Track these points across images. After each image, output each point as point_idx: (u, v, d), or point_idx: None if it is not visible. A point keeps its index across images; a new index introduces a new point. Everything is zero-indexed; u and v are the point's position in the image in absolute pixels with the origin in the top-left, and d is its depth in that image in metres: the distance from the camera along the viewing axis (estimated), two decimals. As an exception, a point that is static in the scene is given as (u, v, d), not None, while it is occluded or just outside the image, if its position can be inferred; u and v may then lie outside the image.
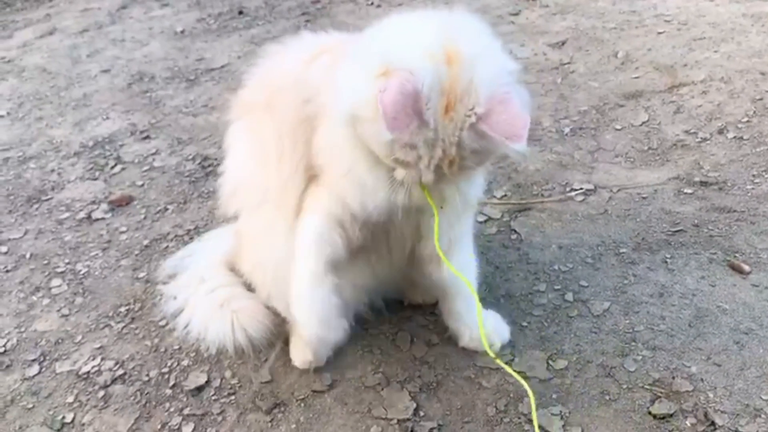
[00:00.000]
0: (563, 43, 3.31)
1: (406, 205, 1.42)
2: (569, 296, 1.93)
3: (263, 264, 1.72)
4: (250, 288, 1.89)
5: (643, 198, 2.26)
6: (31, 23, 4.74)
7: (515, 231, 2.20)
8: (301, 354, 1.82)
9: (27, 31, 4.59)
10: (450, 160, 1.27)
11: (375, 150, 1.29)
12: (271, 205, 1.63)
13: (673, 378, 1.66)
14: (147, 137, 3.06)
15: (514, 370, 1.54)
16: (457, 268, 1.60)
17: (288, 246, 1.59)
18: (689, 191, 2.25)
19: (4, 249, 2.45)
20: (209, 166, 2.75)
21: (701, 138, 2.50)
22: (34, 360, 1.98)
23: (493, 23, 3.58)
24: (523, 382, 1.49)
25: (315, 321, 1.54)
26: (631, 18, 3.45)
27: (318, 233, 1.52)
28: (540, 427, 1.59)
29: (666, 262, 1.99)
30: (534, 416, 1.51)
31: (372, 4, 4.20)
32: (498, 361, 1.54)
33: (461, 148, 1.26)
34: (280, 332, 1.88)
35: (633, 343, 1.76)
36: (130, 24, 4.48)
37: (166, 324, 2.00)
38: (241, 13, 4.34)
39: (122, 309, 2.12)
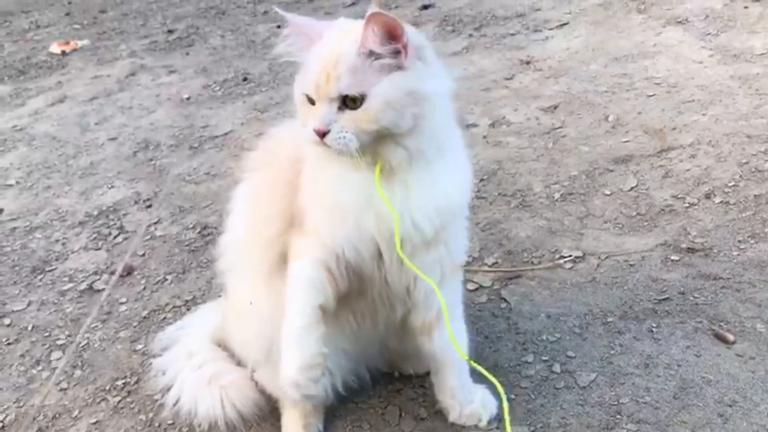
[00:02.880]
0: (555, 107, 3.39)
1: (378, 233, 1.50)
2: (556, 367, 1.95)
3: (248, 325, 1.76)
4: (239, 363, 1.93)
5: (631, 265, 2.29)
6: (43, 91, 4.90)
7: (505, 300, 2.24)
8: (293, 429, 1.84)
9: (39, 99, 4.75)
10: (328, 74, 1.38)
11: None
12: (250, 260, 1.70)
13: (657, 453, 1.67)
14: (150, 206, 3.14)
15: None
16: (448, 340, 1.64)
17: (267, 304, 1.65)
18: (676, 258, 2.29)
19: (7, 321, 2.51)
20: (209, 234, 2.82)
21: (689, 203, 2.54)
22: (31, 436, 2.02)
23: (488, 87, 3.69)
24: None
25: (298, 365, 1.48)
26: (623, 81, 3.53)
27: (307, 278, 1.55)
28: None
29: (652, 331, 2.02)
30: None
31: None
32: None
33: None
34: (271, 406, 1.91)
35: (618, 416, 1.78)
36: (138, 91, 4.62)
37: (161, 398, 2.04)
38: (245, 79, 4.47)
39: (119, 382, 2.16)
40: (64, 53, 5.72)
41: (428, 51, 1.46)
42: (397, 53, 1.38)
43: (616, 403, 1.82)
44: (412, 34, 1.41)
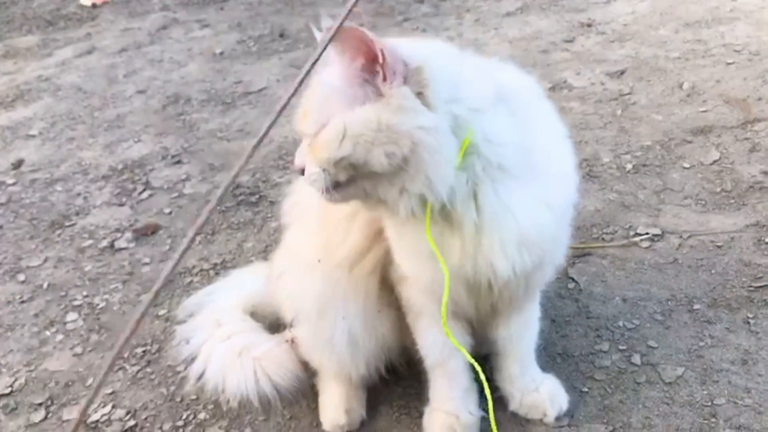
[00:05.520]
0: (622, 73, 3.09)
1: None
2: (636, 359, 1.69)
3: (311, 279, 1.51)
4: (275, 330, 1.72)
5: (718, 247, 2.01)
6: (72, 42, 4.68)
7: (573, 279, 1.98)
8: (331, 416, 1.61)
9: (67, 50, 4.53)
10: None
11: None
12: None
13: (764, 465, 1.41)
14: (178, 162, 2.91)
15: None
16: (515, 328, 1.51)
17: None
18: (771, 241, 2.00)
19: (21, 277, 2.31)
20: (240, 195, 2.58)
21: (782, 180, 2.25)
22: (40, 404, 1.82)
23: (546, 50, 3.39)
24: None
25: None
26: (697, 47, 3.21)
27: (443, 352, 1.49)
28: None
29: (748, 323, 1.75)
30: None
31: (417, 29, 4.04)
32: None
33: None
34: (309, 382, 1.68)
35: (713, 419, 1.52)
36: (170, 45, 4.39)
37: (185, 370, 1.82)
38: (282, 35, 4.21)
39: (139, 350, 1.94)
40: (94, 5, 5.50)
41: (430, 72, 1.10)
42: (374, 75, 1.08)
43: (709, 404, 1.55)
44: (406, 50, 1.09)
